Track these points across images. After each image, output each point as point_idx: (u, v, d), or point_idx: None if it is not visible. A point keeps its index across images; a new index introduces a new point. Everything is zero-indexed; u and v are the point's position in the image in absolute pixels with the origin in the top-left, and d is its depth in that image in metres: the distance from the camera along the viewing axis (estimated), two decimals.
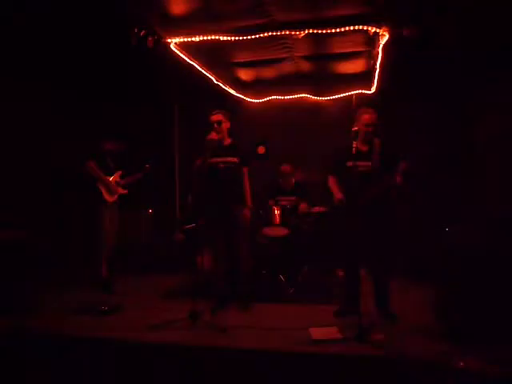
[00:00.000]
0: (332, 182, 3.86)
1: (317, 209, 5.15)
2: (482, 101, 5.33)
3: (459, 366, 2.35)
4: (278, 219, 4.94)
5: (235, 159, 4.06)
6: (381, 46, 4.12)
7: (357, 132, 3.46)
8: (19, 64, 4.78)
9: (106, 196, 4.61)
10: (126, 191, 4.80)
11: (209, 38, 4.03)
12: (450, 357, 2.50)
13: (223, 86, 5.62)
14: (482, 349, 2.65)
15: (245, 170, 4.13)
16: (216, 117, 4.02)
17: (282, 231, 4.81)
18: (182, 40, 4.11)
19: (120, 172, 4.81)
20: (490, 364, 2.49)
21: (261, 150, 6.14)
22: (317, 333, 3.23)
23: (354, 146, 3.37)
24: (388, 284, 3.77)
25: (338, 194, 3.74)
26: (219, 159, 4.05)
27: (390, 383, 2.79)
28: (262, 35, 3.99)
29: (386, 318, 3.64)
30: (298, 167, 5.28)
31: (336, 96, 5.91)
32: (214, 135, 3.90)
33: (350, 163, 3.60)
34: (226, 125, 4.08)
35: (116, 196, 4.72)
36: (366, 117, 3.64)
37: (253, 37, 4.01)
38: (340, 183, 3.81)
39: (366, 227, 3.49)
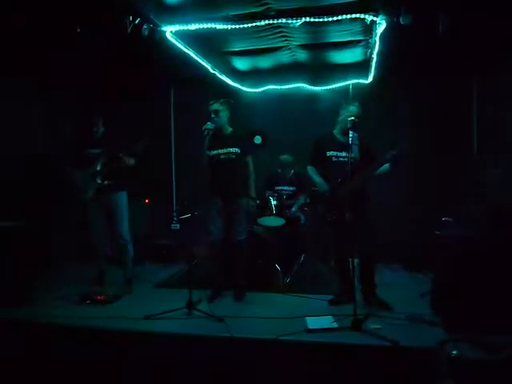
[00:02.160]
0: (312, 172, 3.92)
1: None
2: (482, 88, 5.33)
3: (453, 354, 2.37)
4: (274, 209, 4.94)
5: (236, 149, 4.01)
6: (378, 34, 4.09)
7: (354, 121, 3.47)
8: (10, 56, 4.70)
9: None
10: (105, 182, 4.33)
11: (205, 26, 3.98)
12: (444, 345, 2.51)
13: (219, 76, 5.57)
14: (476, 337, 2.67)
15: (248, 159, 4.09)
16: (213, 106, 3.97)
17: (279, 221, 4.81)
18: (177, 28, 4.06)
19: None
20: (483, 352, 2.52)
21: (257, 139, 6.11)
22: (313, 322, 3.26)
23: (351, 136, 3.40)
24: (373, 270, 3.80)
25: (322, 185, 3.80)
26: (219, 150, 4.01)
27: (385, 372, 2.82)
28: (258, 24, 3.94)
29: (378, 305, 3.68)
30: (296, 158, 5.26)
31: (333, 86, 5.87)
32: (209, 124, 3.87)
33: (330, 153, 3.75)
34: (224, 113, 4.02)
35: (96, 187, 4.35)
36: (353, 108, 3.68)
37: (249, 25, 3.96)
38: (322, 173, 3.86)
39: (348, 216, 3.52)
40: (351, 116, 3.61)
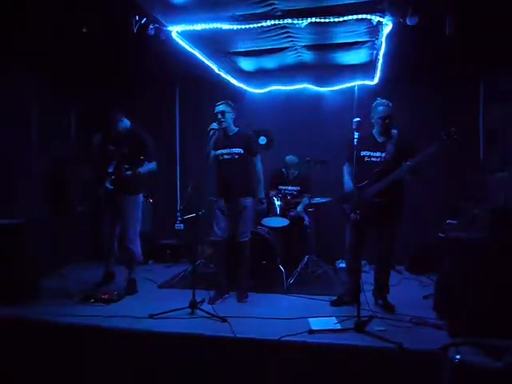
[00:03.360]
0: (346, 170, 3.85)
1: (317, 200, 5.16)
2: (489, 88, 5.31)
3: (456, 359, 2.35)
4: (278, 210, 4.94)
5: (241, 149, 3.99)
6: (384, 35, 4.07)
7: (359, 122, 3.43)
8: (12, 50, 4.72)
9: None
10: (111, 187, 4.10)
11: (211, 26, 3.98)
12: (448, 349, 2.50)
13: (225, 76, 5.58)
14: (479, 341, 2.65)
15: (255, 159, 4.07)
16: (220, 107, 3.97)
17: (283, 222, 4.80)
18: (183, 28, 4.06)
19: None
20: (487, 356, 2.50)
21: (262, 140, 6.12)
22: (316, 323, 3.25)
23: (356, 137, 3.37)
24: (388, 276, 3.80)
25: (348, 184, 3.76)
26: (224, 150, 4.01)
27: (388, 374, 2.81)
28: (264, 24, 3.94)
29: (385, 309, 3.67)
30: (302, 158, 5.25)
31: (338, 87, 5.86)
32: (214, 125, 3.87)
33: (365, 152, 3.64)
34: (230, 115, 4.01)
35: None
36: (381, 109, 3.63)
37: (255, 26, 3.96)
38: (353, 172, 3.76)
39: (372, 220, 3.49)
40: (381, 116, 3.60)
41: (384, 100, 3.68)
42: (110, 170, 4.08)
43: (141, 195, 4.35)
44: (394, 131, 3.69)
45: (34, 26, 4.22)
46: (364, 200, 3.51)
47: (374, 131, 3.75)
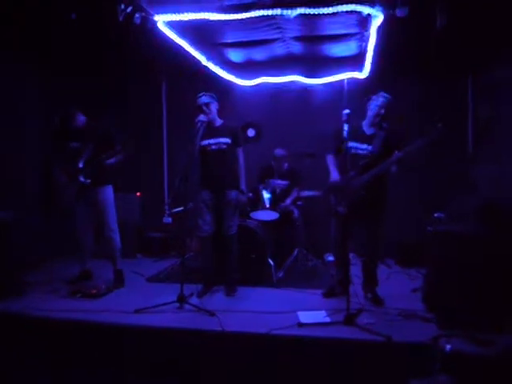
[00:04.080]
0: (330, 161, 3.84)
1: (306, 193, 5.15)
2: (479, 81, 5.32)
3: (447, 348, 2.36)
4: (268, 203, 4.91)
5: (228, 139, 3.96)
6: (374, 27, 4.05)
7: (348, 114, 3.40)
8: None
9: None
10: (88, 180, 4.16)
11: (198, 16, 3.92)
12: (438, 340, 2.51)
13: (213, 68, 5.51)
14: (468, 332, 2.66)
15: (239, 150, 4.03)
16: (203, 99, 3.93)
17: (272, 215, 4.78)
18: (170, 18, 3.99)
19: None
20: (476, 347, 2.51)
21: (251, 132, 6.07)
22: (305, 316, 3.24)
23: (346, 128, 3.35)
24: (375, 268, 3.80)
25: (333, 175, 3.74)
26: (211, 140, 3.96)
27: (378, 367, 2.81)
28: (252, 14, 3.88)
29: (374, 302, 3.67)
30: (294, 152, 5.22)
31: (327, 79, 5.83)
32: (203, 117, 3.85)
33: (351, 144, 3.58)
34: (214, 106, 3.97)
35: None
36: (381, 99, 3.62)
37: (243, 16, 3.91)
38: (338, 163, 3.79)
39: (357, 212, 3.48)
40: (381, 106, 3.58)
41: (384, 93, 3.68)
42: (81, 166, 4.14)
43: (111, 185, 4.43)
44: (385, 125, 3.67)
45: (20, 14, 4.11)
46: (351, 191, 3.50)
47: (364, 123, 3.72)
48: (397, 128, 3.76)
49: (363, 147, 3.63)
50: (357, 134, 3.63)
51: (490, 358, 2.28)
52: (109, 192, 4.32)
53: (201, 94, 3.97)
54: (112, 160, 4.17)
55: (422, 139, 3.39)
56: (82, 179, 4.12)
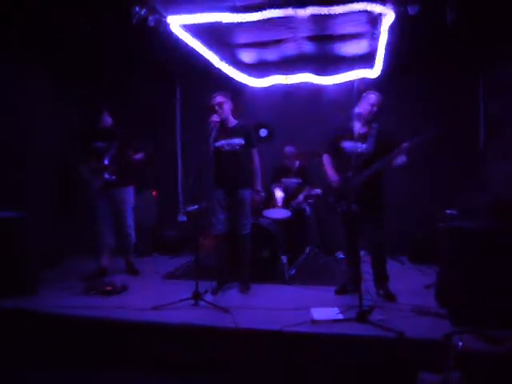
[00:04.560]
0: (326, 162, 3.89)
1: (317, 191, 5.17)
2: (489, 80, 5.28)
3: (458, 346, 2.37)
4: (280, 201, 4.95)
5: (241, 140, 3.97)
6: (385, 26, 4.05)
7: (358, 114, 3.44)
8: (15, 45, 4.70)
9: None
10: (113, 177, 4.37)
11: (211, 17, 3.96)
12: (451, 337, 2.52)
13: (225, 69, 5.55)
14: (481, 329, 2.67)
15: (253, 151, 4.04)
16: (216, 99, 3.95)
17: (284, 213, 4.82)
18: (183, 19, 4.04)
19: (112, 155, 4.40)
20: (488, 344, 2.52)
21: (263, 132, 6.11)
22: (318, 313, 3.26)
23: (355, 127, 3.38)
24: (384, 263, 3.81)
25: (331, 176, 3.78)
26: (224, 141, 3.98)
27: (390, 364, 2.82)
28: (264, 14, 3.92)
29: (386, 298, 3.69)
30: (302, 151, 5.26)
31: (339, 78, 5.84)
32: (215, 117, 3.87)
33: (346, 144, 3.66)
34: (227, 105, 3.99)
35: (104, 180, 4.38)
36: (373, 96, 3.65)
37: (255, 17, 3.94)
38: (335, 163, 3.83)
39: (359, 208, 3.50)
40: (373, 103, 3.61)
41: (375, 91, 3.71)
42: (106, 163, 4.34)
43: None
44: (375, 124, 3.67)
45: (33, 22, 4.19)
46: (350, 190, 3.53)
47: (356, 122, 3.75)
48: (387, 127, 3.76)
49: (358, 146, 3.64)
50: (350, 133, 3.68)
51: (501, 355, 2.29)
52: (131, 192, 4.58)
53: (215, 94, 4.00)
54: (138, 156, 4.42)
55: (425, 133, 3.40)
56: (107, 176, 4.33)
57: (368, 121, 3.66)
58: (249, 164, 4.03)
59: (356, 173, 3.56)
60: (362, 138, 3.65)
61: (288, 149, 5.29)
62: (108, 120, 4.50)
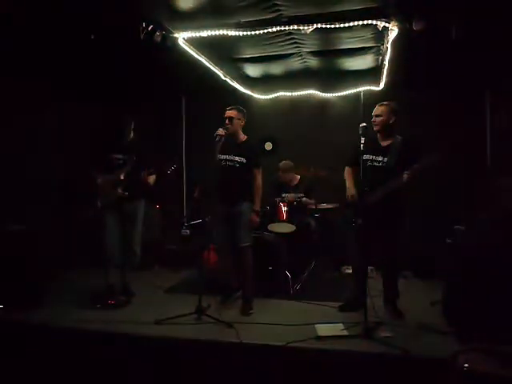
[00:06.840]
0: (348, 174, 3.85)
1: (324, 205, 5.15)
2: (496, 96, 5.28)
3: (464, 366, 2.32)
4: (284, 215, 4.92)
5: (243, 159, 3.94)
6: (390, 41, 4.07)
7: (365, 128, 3.42)
8: (18, 62, 4.69)
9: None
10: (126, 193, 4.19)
11: (217, 33, 4.00)
12: (457, 357, 2.47)
13: (231, 82, 5.60)
14: (489, 348, 2.62)
15: (256, 171, 3.98)
16: (228, 113, 3.95)
17: (289, 228, 4.80)
18: (189, 35, 4.09)
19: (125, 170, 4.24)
20: (496, 364, 2.47)
21: (268, 146, 6.13)
22: (323, 329, 3.23)
23: (362, 141, 3.36)
24: (395, 280, 3.77)
25: (350, 189, 3.74)
26: (226, 156, 3.97)
27: (395, 381, 2.78)
28: (269, 30, 3.95)
29: (393, 315, 3.64)
30: (308, 165, 5.25)
31: (344, 92, 5.87)
32: (220, 131, 3.84)
33: (367, 156, 3.60)
34: (238, 122, 3.97)
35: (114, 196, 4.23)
36: (376, 107, 3.65)
37: (261, 32, 3.97)
38: (356, 176, 3.76)
39: (375, 225, 3.47)
40: (373, 114, 3.62)
41: (382, 103, 3.68)
42: (122, 178, 4.15)
43: None
44: (399, 137, 3.66)
45: (42, 38, 4.24)
46: (367, 205, 3.46)
47: (378, 136, 3.73)
48: (412, 139, 3.73)
49: (379, 159, 3.61)
50: (373, 146, 3.64)
51: (509, 377, 2.24)
52: (142, 208, 4.42)
53: (230, 107, 3.99)
54: (153, 175, 4.23)
55: (427, 159, 3.35)
56: (120, 191, 4.15)
57: (387, 133, 3.64)
58: (249, 179, 3.97)
59: (374, 188, 3.47)
60: (384, 150, 3.61)
61: (283, 163, 5.28)
62: (131, 133, 4.37)
